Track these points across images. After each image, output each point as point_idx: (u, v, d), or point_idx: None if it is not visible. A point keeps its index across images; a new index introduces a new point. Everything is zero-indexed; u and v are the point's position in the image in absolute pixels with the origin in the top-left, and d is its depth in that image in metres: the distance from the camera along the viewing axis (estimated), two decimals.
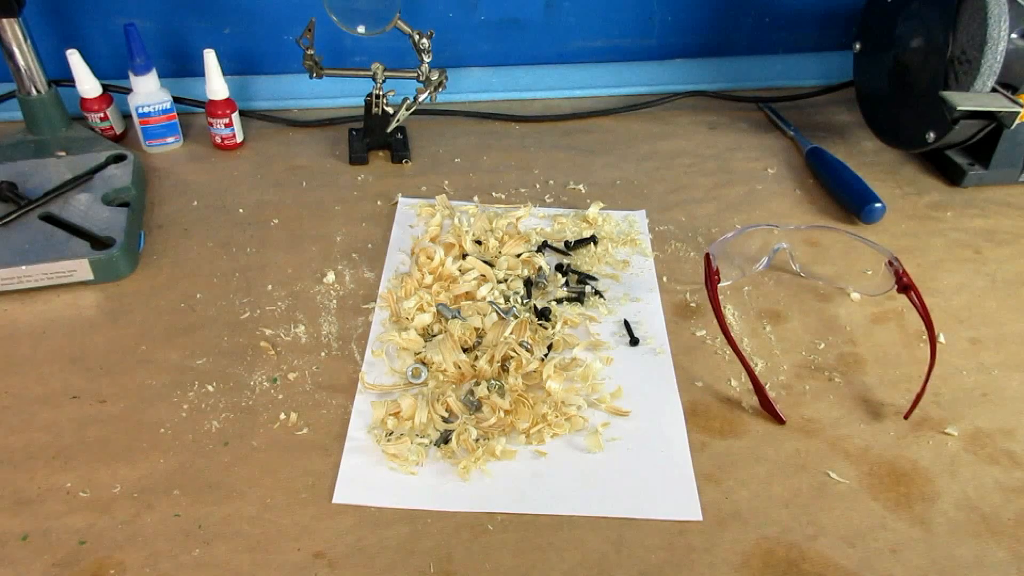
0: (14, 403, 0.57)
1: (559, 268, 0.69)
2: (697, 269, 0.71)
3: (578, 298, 0.66)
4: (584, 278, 0.68)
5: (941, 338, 0.64)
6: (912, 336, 0.64)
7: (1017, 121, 0.73)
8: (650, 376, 0.60)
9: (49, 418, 0.56)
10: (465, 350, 0.60)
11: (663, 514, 0.51)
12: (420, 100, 0.80)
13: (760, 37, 0.99)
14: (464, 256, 0.69)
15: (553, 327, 0.63)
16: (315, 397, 0.58)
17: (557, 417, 0.56)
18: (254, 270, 0.69)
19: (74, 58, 0.78)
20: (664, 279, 0.69)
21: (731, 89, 0.97)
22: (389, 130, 0.81)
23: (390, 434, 0.55)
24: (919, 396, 0.57)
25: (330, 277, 0.68)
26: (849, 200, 0.77)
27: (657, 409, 0.58)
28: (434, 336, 0.62)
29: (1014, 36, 0.71)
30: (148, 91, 0.79)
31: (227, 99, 0.81)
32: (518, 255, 0.69)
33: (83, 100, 0.81)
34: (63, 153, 0.77)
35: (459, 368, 0.59)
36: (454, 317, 0.62)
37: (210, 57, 0.78)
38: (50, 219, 0.68)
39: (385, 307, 0.65)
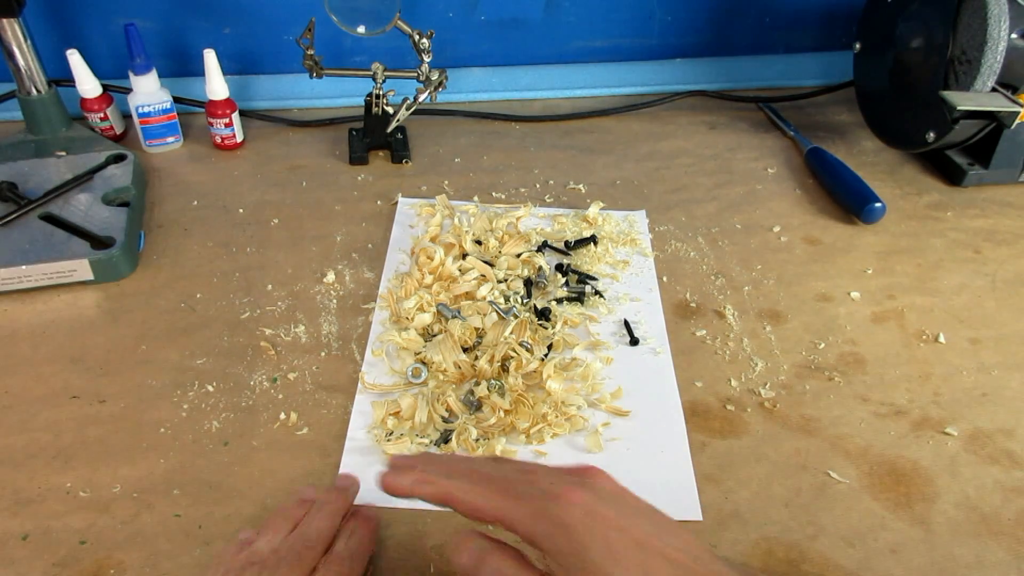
0: (14, 403, 0.57)
1: (559, 268, 0.69)
2: (697, 269, 0.71)
3: (578, 298, 0.66)
4: (584, 278, 0.68)
5: (941, 338, 0.64)
6: (912, 336, 0.64)
7: (1017, 121, 0.73)
8: (650, 376, 0.60)
9: (49, 418, 0.56)
10: (465, 350, 0.60)
11: None
12: (420, 100, 0.80)
13: (760, 37, 0.99)
14: (464, 256, 0.69)
15: (553, 327, 0.63)
16: (315, 397, 0.58)
17: (557, 417, 0.56)
18: (254, 270, 0.69)
19: (74, 58, 0.78)
20: (664, 279, 0.69)
21: (731, 89, 0.97)
22: (389, 130, 0.81)
23: (390, 434, 0.55)
24: None
25: (330, 277, 0.68)
26: (849, 200, 0.77)
27: (657, 409, 0.58)
28: (434, 336, 0.62)
29: (1014, 36, 0.71)
30: (148, 91, 0.79)
31: (227, 99, 0.81)
32: (518, 255, 0.69)
33: (83, 100, 0.81)
34: (63, 153, 0.77)
35: (459, 368, 0.59)
36: (454, 317, 0.62)
37: (210, 57, 0.78)
38: (50, 219, 0.68)
39: (385, 307, 0.65)
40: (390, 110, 0.81)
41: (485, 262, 0.68)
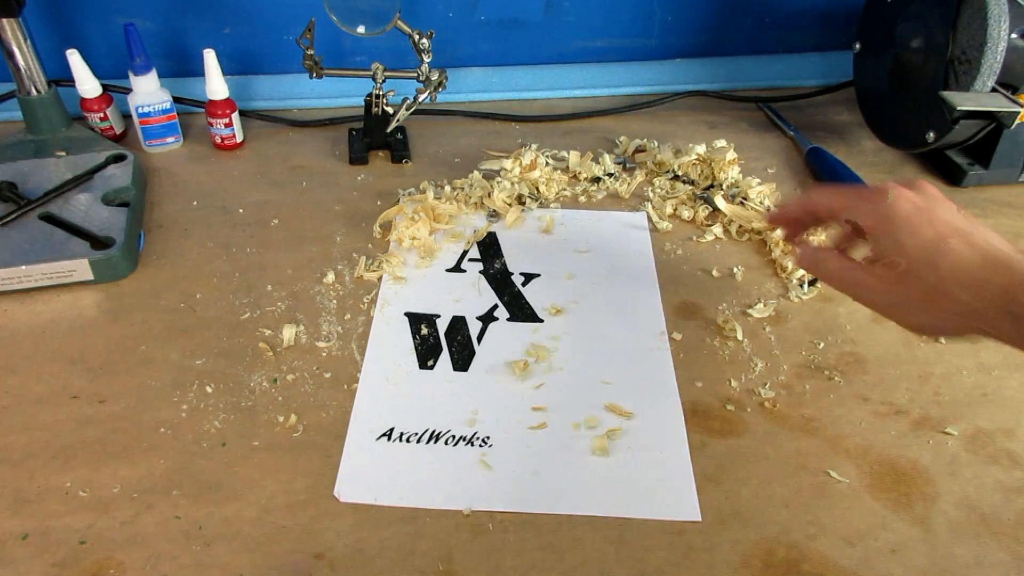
0: (14, 403, 0.57)
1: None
2: (696, 269, 0.71)
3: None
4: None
5: (941, 338, 0.64)
6: (912, 335, 0.64)
7: (1017, 121, 0.73)
8: (650, 376, 0.60)
9: (49, 418, 0.56)
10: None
11: (663, 514, 0.51)
12: (420, 100, 0.80)
13: (760, 37, 0.99)
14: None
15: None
16: (315, 398, 0.58)
17: None
18: (254, 270, 0.69)
19: (74, 58, 0.78)
20: (664, 279, 0.69)
21: (731, 89, 0.97)
22: (389, 130, 0.81)
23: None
24: None
25: (330, 277, 0.68)
26: None
27: (657, 409, 0.58)
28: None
29: (1014, 36, 0.71)
30: (148, 91, 0.79)
31: (227, 99, 0.81)
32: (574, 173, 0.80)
33: (83, 100, 0.81)
34: (63, 153, 0.77)
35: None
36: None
37: (210, 57, 0.78)
38: (50, 219, 0.68)
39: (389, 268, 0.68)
40: (390, 110, 0.81)
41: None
